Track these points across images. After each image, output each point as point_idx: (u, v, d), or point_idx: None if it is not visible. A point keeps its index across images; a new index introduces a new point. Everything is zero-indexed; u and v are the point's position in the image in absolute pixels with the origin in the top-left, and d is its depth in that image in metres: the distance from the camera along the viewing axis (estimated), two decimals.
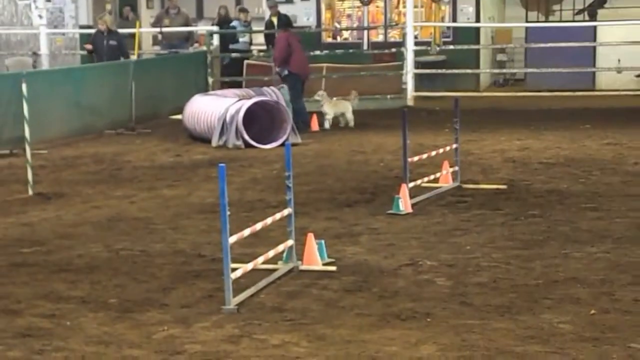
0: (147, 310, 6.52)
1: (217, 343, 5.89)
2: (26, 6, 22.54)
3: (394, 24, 21.29)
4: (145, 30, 22.12)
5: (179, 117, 15.92)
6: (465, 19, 21.18)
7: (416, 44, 19.32)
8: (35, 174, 11.26)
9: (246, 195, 10.47)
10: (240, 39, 21.30)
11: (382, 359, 5.59)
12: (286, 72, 15.64)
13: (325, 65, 19.36)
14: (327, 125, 15.74)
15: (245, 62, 19.96)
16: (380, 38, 21.76)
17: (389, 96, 18.77)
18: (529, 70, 20.34)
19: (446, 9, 21.38)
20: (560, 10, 22.45)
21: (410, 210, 9.46)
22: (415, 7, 20.04)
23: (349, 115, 15.87)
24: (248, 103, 13.90)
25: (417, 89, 19.07)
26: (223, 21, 21.56)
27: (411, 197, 9.66)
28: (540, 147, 13.38)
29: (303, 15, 21.76)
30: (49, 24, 21.10)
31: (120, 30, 21.89)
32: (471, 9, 21.17)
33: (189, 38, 21.04)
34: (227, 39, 20.69)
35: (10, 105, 12.35)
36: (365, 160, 12.67)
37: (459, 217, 9.20)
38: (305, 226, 8.53)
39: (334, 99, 16.10)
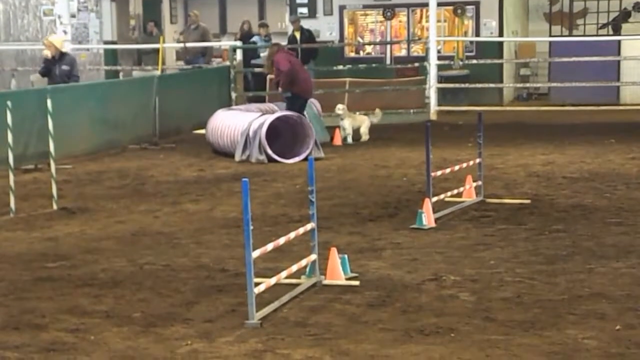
0: (170, 325, 6.53)
1: (241, 358, 5.89)
2: (51, 22, 22.72)
3: (416, 38, 21.29)
4: (168, 46, 22.24)
5: (202, 132, 15.98)
6: (489, 34, 21.15)
7: (439, 58, 19.32)
8: (60, 188, 11.32)
9: (269, 209, 10.48)
10: (262, 54, 21.38)
11: None
12: (289, 94, 14.85)
13: (348, 79, 19.39)
14: (349, 140, 15.76)
15: (268, 77, 20.00)
16: (403, 52, 21.76)
17: (412, 110, 18.76)
18: (553, 84, 20.29)
19: (469, 24, 21.37)
20: (584, 24, 22.40)
21: (433, 224, 9.44)
22: (438, 21, 20.05)
23: (363, 130, 15.88)
24: (271, 118, 13.93)
25: (440, 104, 19.05)
26: (246, 36, 21.65)
27: (434, 211, 9.64)
28: (564, 161, 13.33)
29: (326, 30, 21.80)
30: (73, 40, 21.27)
31: (145, 46, 22.11)
32: (494, 24, 21.14)
33: (205, 53, 21.09)
34: (249, 55, 20.77)
35: (35, 120, 12.43)
36: (388, 174, 12.67)
37: (482, 232, 9.17)
38: (328, 241, 8.53)
39: (354, 113, 16.12)
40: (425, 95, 18.88)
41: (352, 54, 22.05)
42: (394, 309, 6.79)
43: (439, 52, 19.65)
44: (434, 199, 9.83)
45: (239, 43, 20.46)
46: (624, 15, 22.08)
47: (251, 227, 6.40)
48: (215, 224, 9.85)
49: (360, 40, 22.10)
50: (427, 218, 9.43)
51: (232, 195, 11.31)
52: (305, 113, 14.83)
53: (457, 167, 10.74)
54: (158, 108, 16.02)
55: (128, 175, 13.07)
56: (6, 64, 22.00)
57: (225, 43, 21.61)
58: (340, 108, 15.81)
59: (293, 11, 21.76)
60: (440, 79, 19.30)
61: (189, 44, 20.76)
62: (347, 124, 15.76)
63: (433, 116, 18.65)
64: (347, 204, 10.72)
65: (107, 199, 11.39)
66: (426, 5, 19.78)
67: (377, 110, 16.26)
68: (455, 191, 10.46)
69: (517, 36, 22.08)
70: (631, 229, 9.13)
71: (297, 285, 7.29)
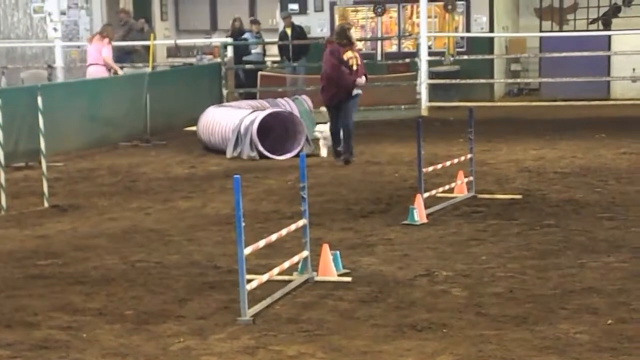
0: (163, 322, 6.53)
1: (233, 354, 5.89)
2: (41, 19, 22.67)
3: (407, 34, 21.30)
4: (159, 43, 22.19)
5: (193, 128, 15.96)
6: (479, 29, 21.18)
7: (430, 54, 19.34)
8: (51, 186, 11.30)
9: (261, 206, 10.48)
10: (253, 51, 21.35)
11: None
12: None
13: None
14: None
15: (259, 73, 19.99)
16: (394, 48, 21.76)
17: (403, 106, 18.77)
18: (544, 79, 20.32)
19: (460, 19, 21.38)
20: (574, 19, 22.42)
21: (425, 220, 9.45)
22: (429, 17, 20.05)
23: None
24: (262, 114, 13.93)
25: (431, 99, 19.07)
26: (237, 33, 21.62)
27: (426, 207, 9.64)
28: (555, 156, 13.35)
29: (317, 26, 21.80)
30: (64, 37, 21.23)
31: (135, 43, 22.04)
32: (485, 19, 21.16)
33: (130, 52, 20.52)
34: (240, 52, 20.72)
35: (25, 117, 12.40)
36: (379, 170, 12.67)
37: (474, 227, 9.18)
38: (320, 237, 8.53)
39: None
40: (416, 91, 18.89)
41: None
42: (387, 305, 6.79)
43: (429, 48, 19.67)
44: (426, 194, 9.83)
45: (230, 40, 20.41)
46: (614, 10, 22.11)
47: (243, 224, 6.40)
48: (207, 221, 9.84)
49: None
50: (419, 214, 9.44)
51: (223, 192, 11.30)
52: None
53: (448, 163, 10.75)
54: (149, 105, 16.00)
55: (119, 173, 13.05)
56: None
57: (216, 40, 21.56)
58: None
59: (284, 7, 21.74)
60: (431, 75, 19.32)
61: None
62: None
63: (424, 112, 18.67)
64: (338, 200, 10.72)
65: (98, 196, 11.38)
66: (417, 1, 19.79)
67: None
68: (447, 187, 10.47)
69: (507, 32, 22.10)
70: (622, 224, 9.15)
71: (289, 281, 7.29)
